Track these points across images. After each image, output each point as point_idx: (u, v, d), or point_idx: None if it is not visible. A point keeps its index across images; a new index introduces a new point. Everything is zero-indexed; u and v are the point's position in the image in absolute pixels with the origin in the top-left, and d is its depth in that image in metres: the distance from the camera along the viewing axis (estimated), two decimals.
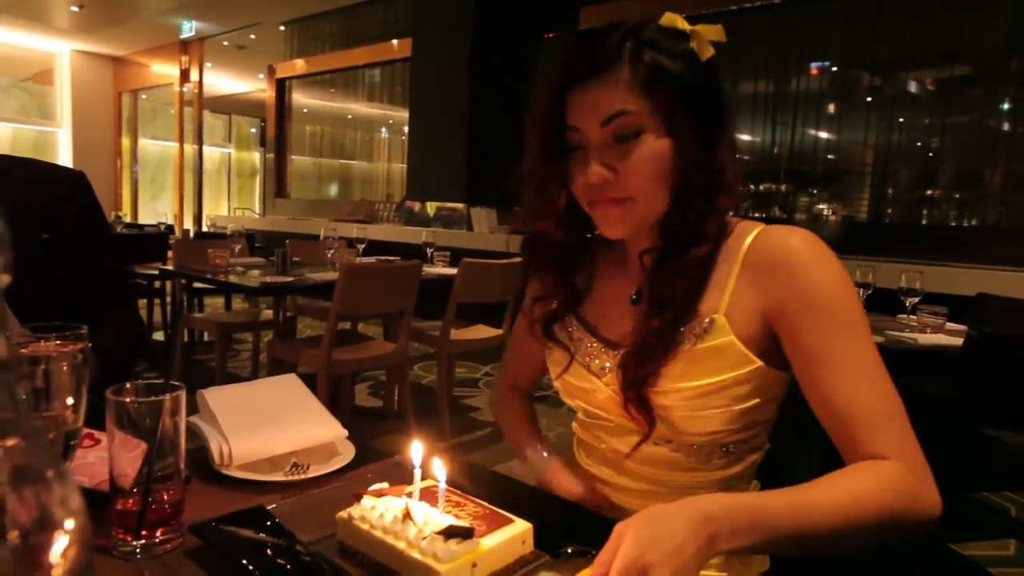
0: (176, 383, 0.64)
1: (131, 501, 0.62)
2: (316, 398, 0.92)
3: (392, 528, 0.64)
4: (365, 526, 0.66)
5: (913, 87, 4.66)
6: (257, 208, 10.56)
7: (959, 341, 1.99)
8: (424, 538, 0.61)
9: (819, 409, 0.74)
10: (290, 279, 2.99)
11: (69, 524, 0.30)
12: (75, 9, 8.06)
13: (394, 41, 7.02)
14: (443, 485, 0.70)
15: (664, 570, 0.53)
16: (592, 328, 0.90)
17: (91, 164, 9.24)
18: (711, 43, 0.79)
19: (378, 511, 0.66)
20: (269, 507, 0.71)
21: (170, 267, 3.66)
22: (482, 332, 3.41)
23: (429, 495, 0.69)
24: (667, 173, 0.79)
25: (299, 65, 8.21)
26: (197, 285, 4.04)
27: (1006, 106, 4.13)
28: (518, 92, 6.02)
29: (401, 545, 0.62)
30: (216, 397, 0.87)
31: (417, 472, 0.71)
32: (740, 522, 0.59)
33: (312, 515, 0.70)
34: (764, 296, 0.77)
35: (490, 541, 0.62)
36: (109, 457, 0.62)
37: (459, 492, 0.72)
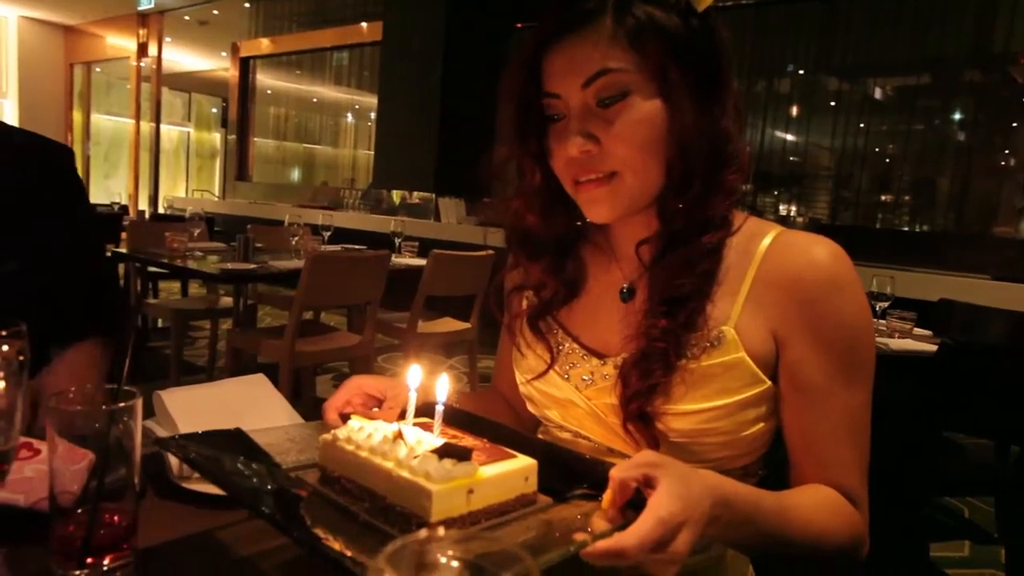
0: (130, 388, 0.56)
1: (75, 523, 0.55)
2: (286, 401, 0.85)
3: (380, 448, 0.58)
4: (350, 447, 0.60)
5: (877, 94, 4.76)
6: (217, 191, 10.24)
7: (928, 347, 2.01)
8: (415, 457, 0.55)
9: (792, 434, 0.72)
10: (252, 266, 2.87)
11: None
12: None
13: (363, 24, 6.85)
14: (441, 406, 0.62)
15: (694, 533, 0.52)
16: (574, 331, 0.79)
17: None
18: None
19: (366, 432, 0.60)
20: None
21: (123, 250, 3.49)
22: (449, 325, 3.35)
23: (425, 427, 0.63)
24: (659, 142, 0.68)
25: (264, 44, 7.96)
26: (151, 269, 3.86)
27: (958, 116, 4.26)
28: (490, 82, 5.94)
29: (389, 465, 0.56)
30: (175, 399, 0.79)
31: (412, 395, 0.64)
32: (739, 515, 0.57)
33: None
34: (778, 314, 0.70)
35: (490, 470, 0.56)
36: (50, 471, 0.55)
37: (457, 427, 0.65)
